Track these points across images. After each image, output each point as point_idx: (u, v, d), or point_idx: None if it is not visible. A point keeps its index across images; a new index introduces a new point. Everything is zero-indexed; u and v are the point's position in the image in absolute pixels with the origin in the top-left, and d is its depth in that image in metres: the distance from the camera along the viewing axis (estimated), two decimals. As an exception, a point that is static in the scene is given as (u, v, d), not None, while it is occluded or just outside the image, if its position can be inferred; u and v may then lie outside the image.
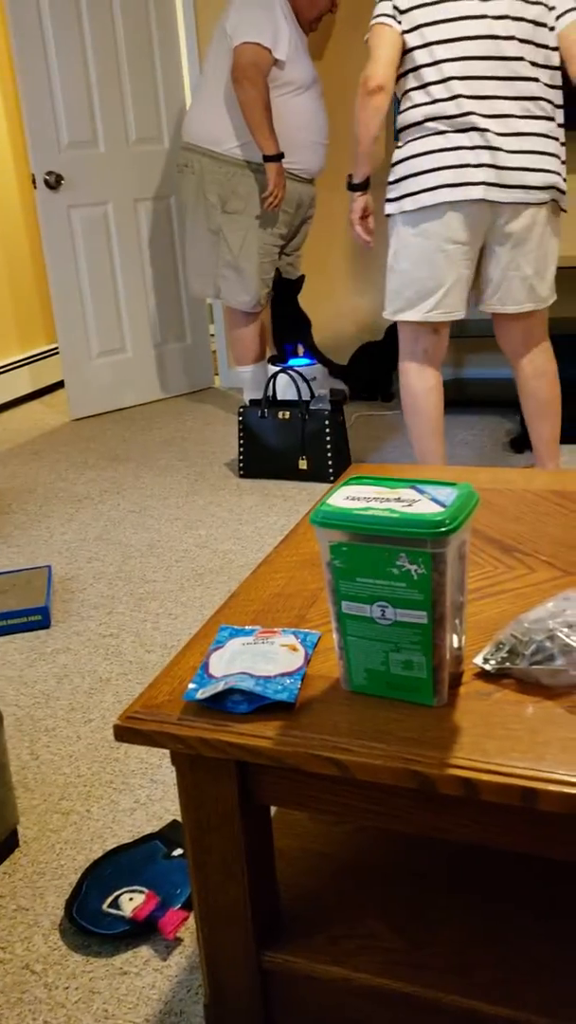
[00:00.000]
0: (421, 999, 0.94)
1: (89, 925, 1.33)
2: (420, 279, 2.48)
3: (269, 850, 1.00)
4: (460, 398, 3.78)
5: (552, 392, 2.67)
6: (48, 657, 2.12)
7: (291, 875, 1.10)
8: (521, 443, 3.27)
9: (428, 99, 2.32)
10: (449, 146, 2.32)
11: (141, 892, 1.37)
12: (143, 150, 4.01)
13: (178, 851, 1.45)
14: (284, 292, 3.49)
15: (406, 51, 2.33)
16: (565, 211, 2.50)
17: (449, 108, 2.30)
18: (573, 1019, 0.89)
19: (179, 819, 1.54)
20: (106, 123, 3.88)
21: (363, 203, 2.59)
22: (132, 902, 1.35)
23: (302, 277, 3.39)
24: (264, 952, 0.99)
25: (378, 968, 0.96)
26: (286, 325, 3.45)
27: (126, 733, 0.89)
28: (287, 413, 3.13)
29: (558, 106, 2.38)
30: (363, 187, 2.56)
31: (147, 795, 1.63)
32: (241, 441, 3.21)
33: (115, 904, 1.36)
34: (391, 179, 2.45)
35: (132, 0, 3.82)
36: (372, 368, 4.08)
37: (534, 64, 2.30)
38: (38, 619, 2.25)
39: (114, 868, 1.43)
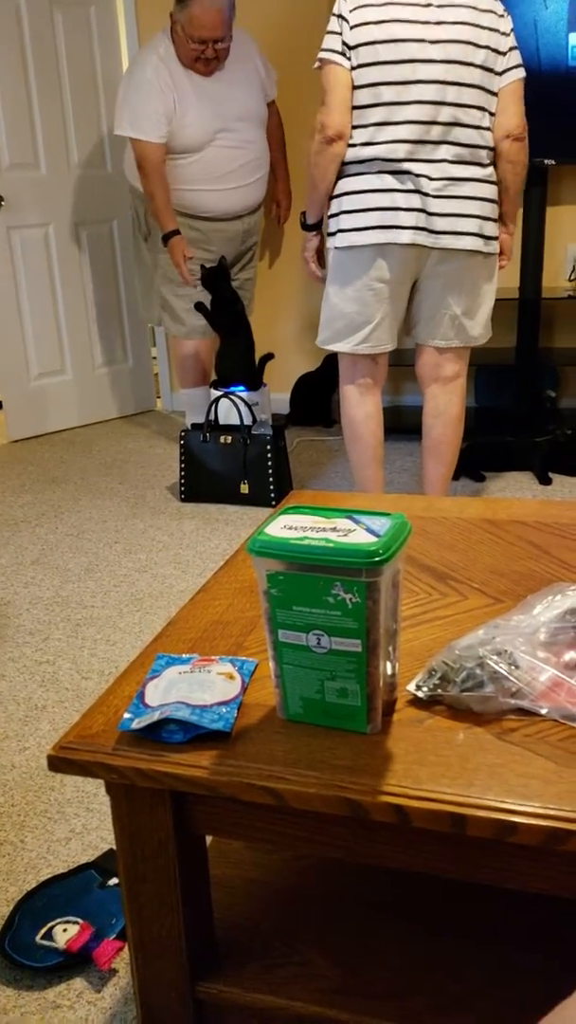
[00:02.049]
0: (355, 1026, 0.94)
1: (21, 958, 1.31)
2: (349, 314, 2.52)
3: (204, 879, 1.00)
4: (400, 425, 3.84)
5: (445, 435, 2.69)
6: (-18, 684, 2.09)
7: (227, 904, 1.10)
8: (458, 470, 3.33)
9: (367, 139, 2.35)
10: (383, 187, 2.36)
11: (75, 923, 1.35)
12: (86, 174, 4.02)
13: (114, 880, 1.44)
14: (209, 282, 3.40)
15: (352, 87, 2.36)
16: (500, 254, 2.56)
17: (386, 150, 2.33)
18: (503, 1042, 0.91)
19: (115, 848, 1.52)
20: (48, 146, 3.87)
21: (316, 243, 2.62)
22: (66, 933, 1.33)
23: (222, 259, 3.31)
24: (198, 982, 0.99)
25: (312, 996, 0.97)
26: (221, 312, 3.36)
27: (60, 763, 0.89)
28: (229, 437, 3.14)
29: None
30: (317, 227, 2.59)
31: (83, 824, 1.61)
32: (182, 465, 3.21)
33: (48, 936, 1.34)
34: (329, 213, 2.49)
35: (74, 24, 3.84)
36: (309, 397, 4.13)
37: (477, 109, 2.34)
38: (-27, 645, 2.21)
39: (48, 899, 1.41)
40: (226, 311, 3.31)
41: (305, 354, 4.26)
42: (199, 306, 3.31)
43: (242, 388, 3.26)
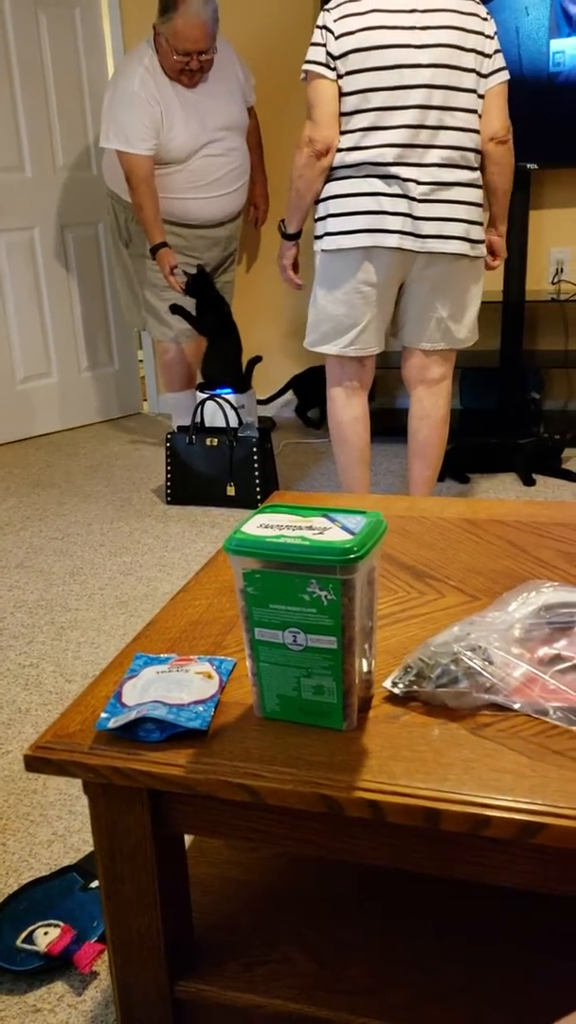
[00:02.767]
0: (333, 1023, 0.95)
1: (2, 963, 1.31)
2: (336, 316, 2.53)
3: (183, 879, 1.00)
4: (394, 427, 3.84)
5: (431, 437, 2.71)
6: (-34, 687, 2.08)
7: (207, 903, 1.10)
8: (443, 472, 3.34)
9: (354, 143, 2.36)
10: (370, 191, 2.37)
11: (56, 926, 1.35)
12: (71, 176, 4.02)
13: (96, 883, 1.43)
14: (194, 290, 3.40)
15: (339, 95, 2.37)
16: (492, 256, 2.57)
17: (374, 155, 2.34)
18: (480, 1037, 0.91)
19: (97, 850, 1.52)
20: (33, 148, 3.87)
21: (294, 253, 2.63)
22: (47, 936, 1.33)
23: (201, 268, 3.32)
24: (177, 982, 0.99)
25: (291, 993, 0.97)
26: (206, 329, 3.37)
27: (37, 763, 0.89)
28: (215, 440, 3.14)
29: None
30: (296, 236, 2.59)
31: (65, 827, 1.60)
32: (168, 467, 3.21)
33: (29, 939, 1.33)
34: (316, 216, 2.50)
35: (59, 26, 3.84)
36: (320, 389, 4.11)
37: (464, 112, 2.35)
38: (-44, 648, 2.20)
39: (29, 902, 1.41)
40: (212, 315, 3.31)
41: (286, 357, 4.26)
42: (176, 308, 3.31)
43: (229, 391, 3.27)
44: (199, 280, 3.26)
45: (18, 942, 1.33)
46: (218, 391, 3.26)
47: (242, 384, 3.32)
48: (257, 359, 3.34)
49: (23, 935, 1.34)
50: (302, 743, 0.87)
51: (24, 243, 3.94)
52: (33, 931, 1.34)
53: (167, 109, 3.15)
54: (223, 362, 3.32)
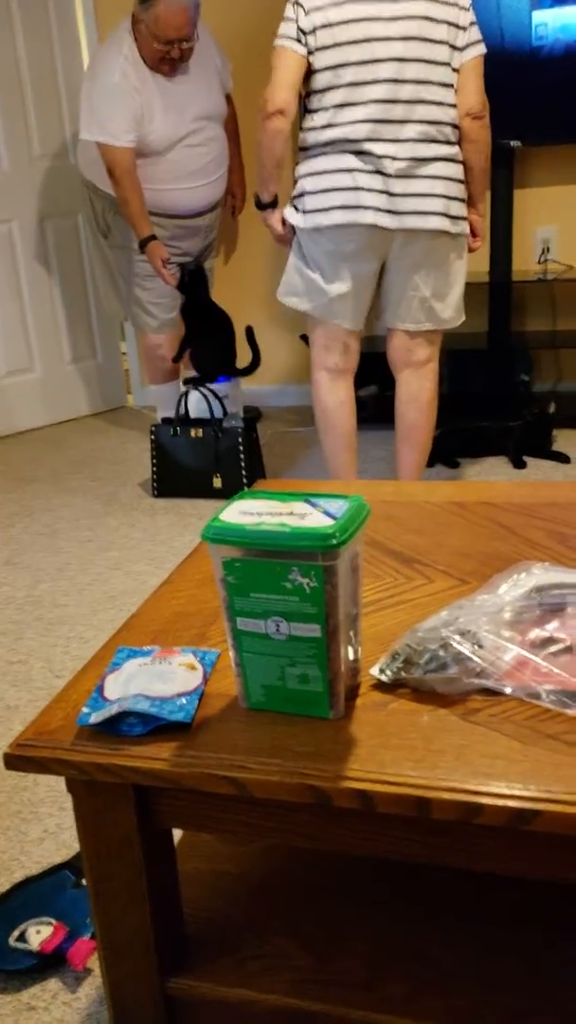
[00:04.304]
0: (329, 1017, 0.93)
1: (-6, 962, 1.29)
2: (308, 279, 2.50)
3: (172, 874, 0.98)
4: (376, 414, 3.82)
5: (418, 420, 2.68)
6: (-46, 686, 2.06)
7: (198, 898, 1.08)
8: (432, 457, 3.32)
9: (327, 121, 2.34)
10: (345, 167, 2.34)
11: (49, 924, 1.33)
12: (48, 167, 3.97)
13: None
14: (186, 289, 3.37)
15: (310, 71, 2.34)
16: (472, 235, 2.53)
17: (347, 131, 2.31)
18: (478, 1027, 0.89)
19: (89, 847, 1.50)
20: (8, 138, 3.82)
21: (278, 216, 2.55)
22: (39, 935, 1.31)
23: (198, 265, 3.31)
24: (169, 978, 0.97)
25: (285, 988, 0.95)
26: (195, 324, 3.35)
27: (17, 761, 0.86)
28: (200, 431, 3.11)
29: None
30: (272, 205, 2.55)
31: (56, 824, 1.58)
32: (154, 460, 3.18)
33: (22, 938, 1.31)
34: (292, 194, 2.47)
35: (33, 15, 3.78)
36: None
37: (440, 85, 2.32)
38: (-57, 647, 2.18)
39: (21, 900, 1.39)
40: (203, 314, 3.27)
41: (272, 343, 4.23)
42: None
43: (222, 380, 3.23)
44: (194, 278, 3.22)
45: (11, 941, 1.32)
46: (220, 380, 3.23)
47: (255, 360, 3.26)
48: (249, 329, 3.28)
49: (15, 934, 1.32)
50: (288, 733, 0.85)
51: (2, 235, 3.89)
52: (26, 930, 1.32)
53: (147, 100, 3.10)
54: (219, 354, 3.28)
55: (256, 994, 0.95)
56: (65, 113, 3.96)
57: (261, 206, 2.56)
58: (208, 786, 0.83)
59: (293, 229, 2.55)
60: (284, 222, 2.54)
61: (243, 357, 3.33)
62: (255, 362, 3.26)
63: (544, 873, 0.81)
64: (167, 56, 3.05)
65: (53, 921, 1.33)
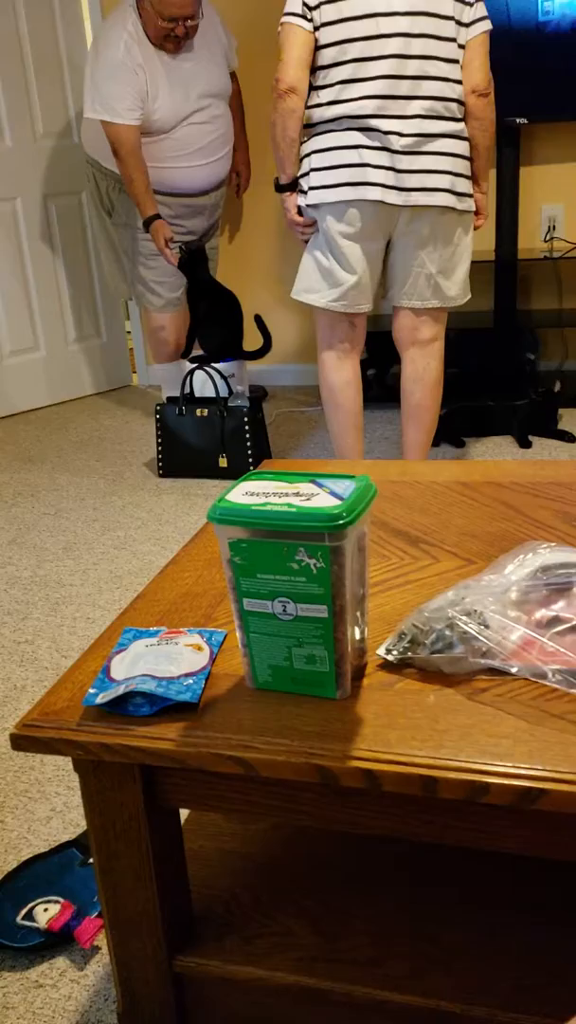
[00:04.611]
0: (335, 994, 0.94)
1: (3, 939, 1.30)
2: (325, 269, 2.48)
3: (179, 853, 0.99)
4: (381, 393, 3.81)
5: (424, 400, 2.67)
6: (-39, 666, 2.07)
7: (205, 876, 1.09)
8: (438, 436, 3.31)
9: (333, 97, 2.31)
10: (351, 144, 2.31)
11: (56, 902, 1.34)
12: (52, 145, 3.94)
13: (95, 858, 1.42)
14: (188, 268, 3.36)
15: (316, 47, 2.32)
16: (475, 214, 2.51)
17: (353, 107, 2.29)
18: (483, 1004, 0.90)
19: (96, 825, 1.51)
20: (11, 116, 3.79)
21: (294, 200, 2.53)
22: (47, 913, 1.32)
23: (200, 246, 3.28)
24: (176, 956, 0.98)
25: (291, 966, 0.96)
26: (199, 305, 3.32)
27: (24, 741, 0.87)
28: (205, 410, 3.10)
29: None
30: (291, 187, 2.52)
31: (63, 802, 1.59)
32: (159, 440, 3.17)
33: (29, 916, 1.33)
34: (299, 172, 2.45)
35: (35, -8, 3.74)
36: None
37: (446, 61, 2.30)
38: (-50, 627, 2.18)
39: (29, 879, 1.40)
40: (208, 295, 3.24)
41: (278, 321, 4.21)
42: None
43: (229, 360, 3.21)
44: (193, 258, 3.19)
45: (18, 919, 1.33)
46: (227, 360, 3.21)
47: (266, 345, 3.24)
48: (258, 317, 3.25)
49: (23, 912, 1.33)
50: (295, 713, 0.85)
51: (6, 214, 3.87)
52: (33, 908, 1.34)
53: (152, 78, 3.07)
54: (224, 336, 3.25)
55: (263, 971, 0.95)
56: (69, 91, 3.92)
57: (280, 188, 2.53)
58: (215, 766, 0.83)
59: (302, 213, 2.53)
60: (301, 212, 2.52)
61: (253, 340, 3.30)
62: (266, 346, 3.24)
63: (549, 852, 0.81)
64: (171, 34, 3.01)
65: (60, 899, 1.34)
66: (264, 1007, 0.99)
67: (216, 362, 3.20)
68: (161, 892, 0.95)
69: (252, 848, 1.13)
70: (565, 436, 3.28)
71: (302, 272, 2.56)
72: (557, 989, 0.91)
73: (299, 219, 2.52)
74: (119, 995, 1.02)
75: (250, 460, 3.09)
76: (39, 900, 1.35)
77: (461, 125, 2.36)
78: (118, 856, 0.94)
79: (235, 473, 3.11)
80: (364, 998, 0.93)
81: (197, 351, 3.36)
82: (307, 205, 2.43)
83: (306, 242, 2.58)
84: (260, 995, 0.97)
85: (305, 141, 2.42)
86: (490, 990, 0.91)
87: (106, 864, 0.95)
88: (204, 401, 3.14)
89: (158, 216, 3.15)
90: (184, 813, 1.25)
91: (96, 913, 1.32)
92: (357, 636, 0.89)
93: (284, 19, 2.31)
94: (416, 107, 2.29)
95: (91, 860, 1.41)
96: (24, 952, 1.30)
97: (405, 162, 2.31)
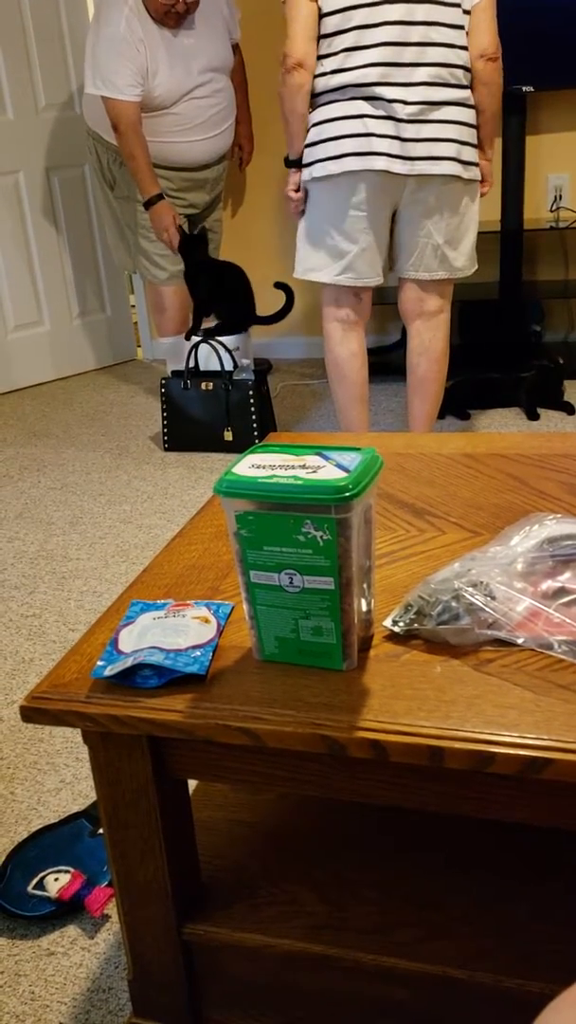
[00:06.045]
0: (342, 961, 0.95)
1: (14, 908, 1.32)
2: (328, 243, 2.46)
3: (188, 823, 1.00)
4: (387, 366, 3.79)
5: (430, 372, 2.65)
6: (-31, 640, 2.08)
7: (213, 846, 1.10)
8: (444, 409, 3.29)
9: (337, 66, 2.28)
10: (356, 113, 2.29)
11: (67, 872, 1.35)
12: (54, 117, 3.90)
13: (104, 828, 1.44)
14: (186, 250, 3.34)
15: (319, 16, 2.28)
16: (480, 181, 2.48)
17: (357, 75, 2.26)
18: (489, 970, 0.91)
19: (105, 796, 1.53)
20: (13, 89, 3.75)
21: (298, 178, 2.50)
22: (57, 882, 1.33)
23: (203, 229, 3.26)
24: (185, 924, 0.99)
25: (299, 933, 0.97)
26: (199, 286, 3.30)
27: (33, 713, 0.87)
28: (210, 384, 3.09)
29: None
30: (299, 163, 2.49)
31: (73, 774, 1.61)
32: (164, 414, 3.17)
33: (40, 885, 1.34)
34: (304, 143, 2.42)
35: (35, -41, 3.69)
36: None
37: (451, 27, 2.26)
38: (-43, 602, 2.20)
39: (39, 849, 1.42)
40: (210, 275, 3.21)
41: (281, 298, 4.17)
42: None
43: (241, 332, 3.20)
44: (194, 240, 3.16)
45: (29, 888, 1.35)
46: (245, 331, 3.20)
47: (289, 303, 3.21)
48: (279, 283, 3.23)
49: (34, 881, 1.35)
50: (302, 684, 0.86)
51: (9, 187, 3.85)
52: (44, 877, 1.35)
53: (152, 53, 3.03)
54: (239, 310, 3.23)
55: (271, 939, 0.97)
56: (70, 63, 3.88)
57: (289, 163, 2.50)
58: (222, 737, 0.83)
59: (305, 196, 2.50)
60: (299, 188, 2.49)
61: (266, 304, 3.27)
62: (288, 306, 3.21)
63: (555, 821, 0.82)
64: (172, 9, 2.98)
65: (71, 869, 1.36)
66: (272, 974, 1.00)
67: (232, 333, 3.18)
68: (170, 861, 0.96)
69: (259, 818, 1.14)
70: (569, 408, 3.26)
71: (302, 251, 2.53)
72: (563, 954, 0.92)
73: (295, 196, 2.50)
74: (129, 962, 1.04)
75: (255, 433, 3.08)
76: (50, 870, 1.36)
77: (467, 92, 2.33)
78: (127, 826, 0.95)
79: (240, 446, 3.11)
80: (371, 965, 0.94)
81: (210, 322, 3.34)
82: (313, 177, 2.41)
83: (302, 214, 2.55)
84: (268, 962, 0.99)
85: (311, 111, 2.39)
86: (495, 956, 0.93)
87: (116, 834, 0.96)
88: (209, 375, 3.13)
89: (160, 197, 3.13)
90: (192, 784, 1.27)
91: (106, 882, 1.34)
92: (363, 608, 0.89)
93: None
94: (422, 74, 2.26)
95: (100, 830, 1.43)
96: (35, 921, 1.32)
97: (410, 131, 2.29)
